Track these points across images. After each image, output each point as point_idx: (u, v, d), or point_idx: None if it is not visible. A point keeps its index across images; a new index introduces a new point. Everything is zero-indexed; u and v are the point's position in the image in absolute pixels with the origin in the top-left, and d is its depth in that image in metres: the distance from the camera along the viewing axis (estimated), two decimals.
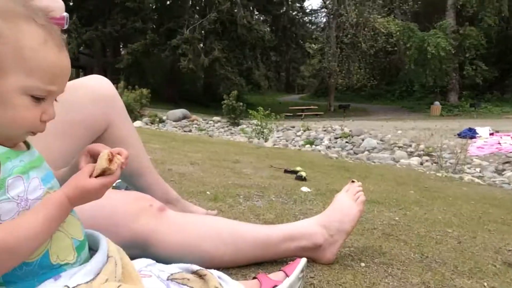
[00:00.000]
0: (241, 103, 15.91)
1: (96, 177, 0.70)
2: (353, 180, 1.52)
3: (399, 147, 10.22)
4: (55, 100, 0.70)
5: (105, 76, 1.52)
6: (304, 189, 2.71)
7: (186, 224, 1.22)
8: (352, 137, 11.79)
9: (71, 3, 25.75)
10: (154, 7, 25.21)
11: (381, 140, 11.06)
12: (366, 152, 9.91)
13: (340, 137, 11.92)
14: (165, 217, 1.18)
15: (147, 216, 1.14)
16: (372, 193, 2.80)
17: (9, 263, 0.62)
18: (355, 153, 9.91)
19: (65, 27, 1.24)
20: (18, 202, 0.64)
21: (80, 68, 27.09)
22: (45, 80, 0.65)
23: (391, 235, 1.78)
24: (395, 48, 27.18)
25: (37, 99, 0.65)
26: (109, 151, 0.73)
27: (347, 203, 1.43)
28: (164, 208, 1.20)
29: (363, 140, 11.27)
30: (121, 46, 26.98)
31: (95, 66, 25.32)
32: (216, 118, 16.97)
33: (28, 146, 0.73)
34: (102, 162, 0.71)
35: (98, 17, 23.78)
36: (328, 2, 29.04)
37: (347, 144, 11.25)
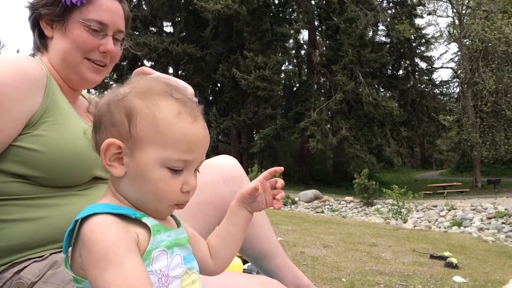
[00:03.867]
0: (374, 182, 15.29)
1: None
2: None
3: None
4: (197, 171, 0.72)
5: (241, 160, 1.55)
6: (458, 278, 2.31)
7: None
8: (510, 216, 10.17)
9: (210, 98, 29.01)
10: (282, 94, 26.83)
11: None
12: None
13: (494, 217, 10.38)
14: None
15: None
16: None
17: None
18: None
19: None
20: (160, 277, 0.64)
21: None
22: (181, 150, 0.67)
23: None
24: None
25: (175, 170, 0.67)
26: None
27: None
28: None
29: None
30: (254, 132, 28.92)
31: (232, 152, 27.38)
32: (348, 198, 16.49)
33: (178, 224, 0.76)
34: None
35: (233, 107, 26.16)
36: (459, 71, 27.48)
37: (504, 225, 9.71)
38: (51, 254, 1.04)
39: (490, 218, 10.44)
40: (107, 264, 0.59)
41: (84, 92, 1.39)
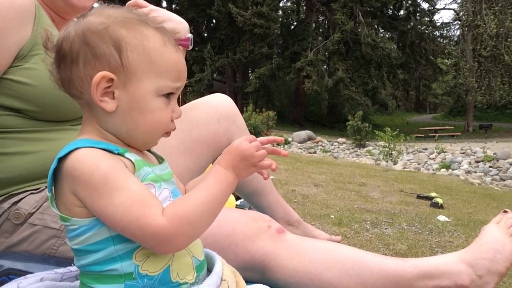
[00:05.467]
0: (367, 124, 15.42)
1: None
2: (506, 210, 1.26)
3: None
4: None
5: (235, 100, 1.55)
6: (442, 218, 2.41)
7: (306, 249, 1.13)
8: (497, 160, 10.40)
9: (205, 34, 28.22)
10: (279, 32, 26.14)
11: None
12: None
13: (482, 161, 10.62)
14: (283, 240, 1.11)
15: (264, 238, 1.08)
16: None
17: (192, 237, 0.65)
18: (502, 179, 8.72)
19: (190, 47, 1.28)
20: None
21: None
22: (173, 78, 0.68)
23: None
24: None
25: (167, 98, 0.68)
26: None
27: (499, 237, 1.18)
28: (283, 230, 1.13)
29: (511, 164, 9.87)
30: (249, 71, 28.52)
31: (227, 91, 27.14)
32: (341, 139, 16.69)
33: (161, 160, 0.76)
34: None
35: (228, 45, 25.56)
36: (462, 13, 26.74)
37: (491, 168, 9.97)
38: (46, 187, 1.06)
39: (478, 162, 10.68)
40: (112, 190, 0.59)
41: None
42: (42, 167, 1.06)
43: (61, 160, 0.63)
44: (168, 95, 0.68)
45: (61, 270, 0.79)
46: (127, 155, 0.65)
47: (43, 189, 1.06)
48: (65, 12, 1.17)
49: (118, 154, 0.64)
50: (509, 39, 22.82)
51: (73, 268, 0.79)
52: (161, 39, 0.68)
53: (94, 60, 0.64)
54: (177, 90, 0.70)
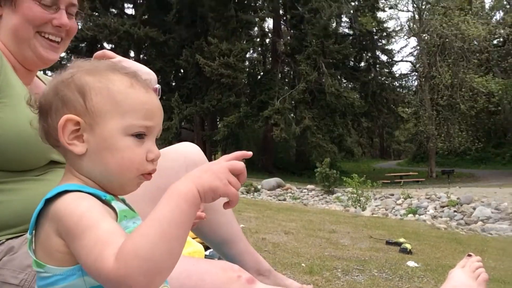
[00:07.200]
0: (335, 171, 15.63)
1: None
2: (470, 253, 1.29)
3: None
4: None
5: (204, 148, 1.55)
6: (411, 263, 2.42)
7: None
8: (461, 205, 10.70)
9: (173, 83, 28.50)
10: (246, 82, 26.77)
11: (496, 209, 9.90)
12: (480, 223, 8.88)
13: (447, 206, 10.89)
14: None
15: None
16: (494, 270, 2.41)
17: (149, 274, 0.55)
18: (467, 224, 8.94)
19: (157, 98, 1.28)
20: None
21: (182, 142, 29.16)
22: (140, 117, 0.68)
23: None
24: (499, 108, 25.20)
25: (139, 137, 0.68)
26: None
27: (464, 281, 1.20)
28: (254, 280, 1.10)
29: (474, 208, 10.16)
30: (217, 119, 28.75)
31: (195, 139, 27.13)
32: (310, 186, 16.78)
33: (134, 212, 0.75)
34: None
35: (196, 94, 25.83)
36: (418, 65, 28.43)
37: (455, 213, 10.23)
38: (7, 239, 1.00)
39: (443, 207, 10.95)
40: (83, 229, 0.57)
41: (40, 74, 1.33)
42: (3, 219, 1.01)
43: (48, 202, 0.62)
44: (140, 136, 0.68)
45: None
46: (113, 203, 0.65)
47: (3, 242, 1.00)
48: (32, 63, 1.17)
49: (106, 200, 0.65)
50: (463, 89, 24.26)
51: None
52: (128, 82, 0.69)
53: (63, 108, 0.67)
54: (149, 130, 0.70)
